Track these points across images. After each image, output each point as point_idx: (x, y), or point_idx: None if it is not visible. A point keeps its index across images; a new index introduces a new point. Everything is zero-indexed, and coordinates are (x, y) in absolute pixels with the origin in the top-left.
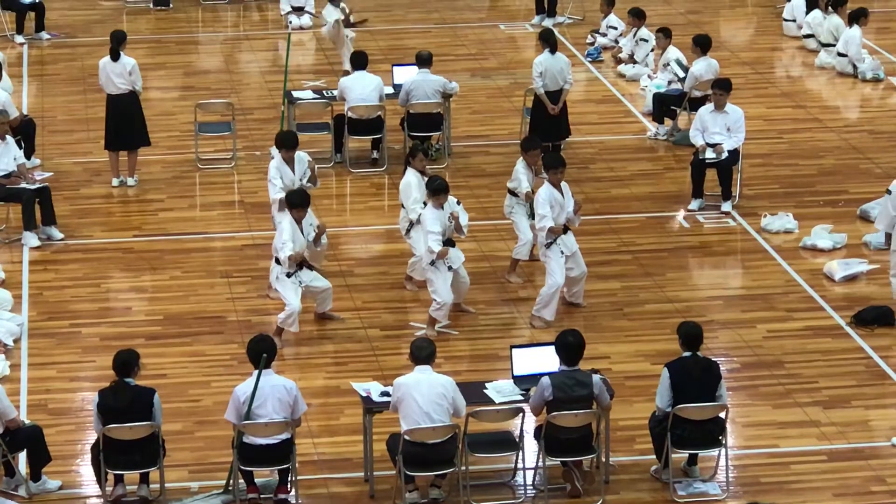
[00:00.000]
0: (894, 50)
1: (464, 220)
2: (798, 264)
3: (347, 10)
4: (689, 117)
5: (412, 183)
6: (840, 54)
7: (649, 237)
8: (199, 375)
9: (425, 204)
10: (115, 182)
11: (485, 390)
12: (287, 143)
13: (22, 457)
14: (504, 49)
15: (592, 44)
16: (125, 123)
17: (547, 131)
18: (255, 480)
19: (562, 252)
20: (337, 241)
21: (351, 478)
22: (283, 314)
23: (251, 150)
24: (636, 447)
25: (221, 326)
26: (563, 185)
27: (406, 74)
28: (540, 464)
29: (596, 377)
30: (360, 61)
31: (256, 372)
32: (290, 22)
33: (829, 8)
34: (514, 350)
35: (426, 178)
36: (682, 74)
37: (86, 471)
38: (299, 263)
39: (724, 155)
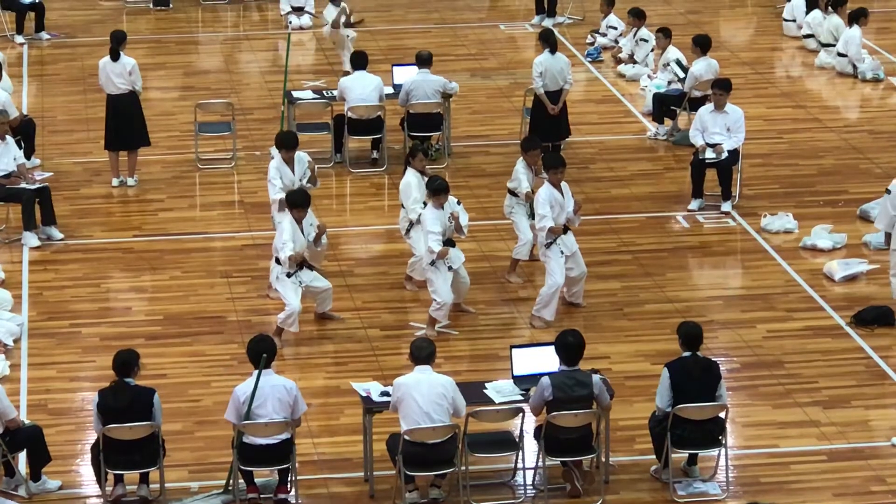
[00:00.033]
0: (894, 50)
1: (464, 220)
2: (798, 264)
3: (348, 10)
4: (689, 117)
5: (412, 183)
6: (840, 54)
7: (649, 237)
8: (198, 375)
9: (425, 204)
10: (115, 182)
11: (485, 390)
12: (287, 144)
13: (22, 457)
14: (504, 49)
15: (592, 44)
16: (125, 123)
17: (547, 131)
18: (255, 480)
19: (562, 252)
20: (337, 241)
21: (351, 478)
22: (283, 314)
23: (251, 150)
24: (636, 447)
25: (221, 326)
26: (564, 185)
27: (406, 74)
28: (540, 464)
29: (596, 377)
30: (359, 61)
31: (256, 372)
32: (290, 22)
33: (829, 8)
34: (513, 350)
35: (426, 178)
36: (681, 75)
37: (86, 471)
38: (299, 263)
39: (724, 155)
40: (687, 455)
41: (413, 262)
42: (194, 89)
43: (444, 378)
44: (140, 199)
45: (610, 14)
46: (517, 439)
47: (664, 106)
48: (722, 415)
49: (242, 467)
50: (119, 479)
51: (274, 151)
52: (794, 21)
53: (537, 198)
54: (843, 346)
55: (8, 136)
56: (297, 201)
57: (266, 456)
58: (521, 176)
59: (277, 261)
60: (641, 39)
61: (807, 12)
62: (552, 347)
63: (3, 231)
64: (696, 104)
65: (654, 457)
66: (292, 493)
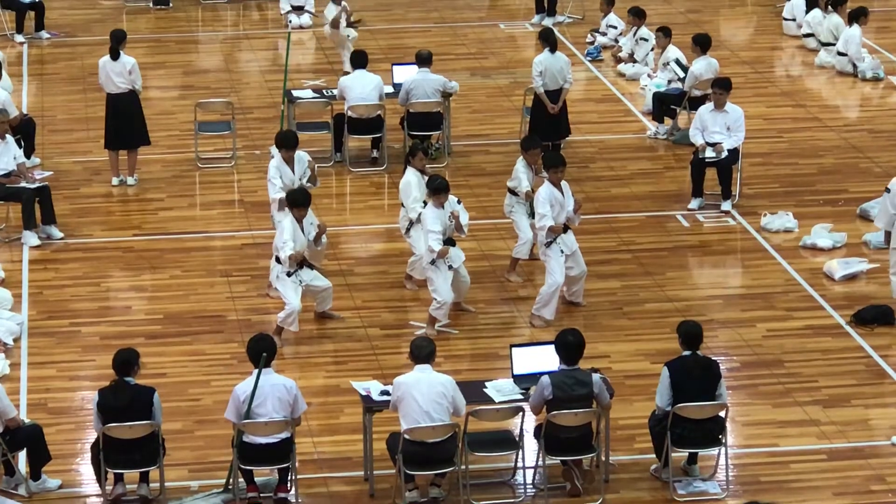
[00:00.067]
0: (894, 49)
1: (464, 219)
2: (798, 263)
3: (349, 10)
4: (689, 116)
5: (412, 182)
6: (840, 53)
7: (649, 236)
8: (198, 374)
9: (425, 203)
10: (114, 181)
11: (485, 389)
12: (287, 143)
13: (22, 456)
14: (504, 48)
15: (592, 43)
16: (125, 122)
17: (547, 130)
18: (255, 479)
19: (562, 251)
20: (337, 241)
21: (351, 477)
22: (282, 313)
23: (251, 149)
24: (636, 446)
25: (221, 325)
26: (564, 184)
27: (406, 73)
28: (540, 463)
29: (596, 376)
30: (359, 60)
31: (256, 371)
32: (290, 21)
33: (829, 7)
34: (513, 349)
35: (426, 178)
36: (681, 74)
37: (86, 470)
38: (300, 263)
39: (724, 154)
40: (687, 454)
41: (413, 261)
42: (194, 88)
43: (444, 377)
44: (140, 199)
45: (610, 13)
46: (517, 438)
47: (664, 105)
48: (722, 414)
49: (242, 466)
50: (119, 478)
51: (274, 151)
52: (794, 20)
53: (537, 197)
54: (842, 345)
55: (8, 136)
56: (297, 200)
57: (266, 455)
58: (521, 175)
59: (278, 260)
60: (641, 38)
61: (807, 11)
62: (552, 346)
63: (3, 230)
64: (695, 103)
65: (653, 456)
66: (292, 492)
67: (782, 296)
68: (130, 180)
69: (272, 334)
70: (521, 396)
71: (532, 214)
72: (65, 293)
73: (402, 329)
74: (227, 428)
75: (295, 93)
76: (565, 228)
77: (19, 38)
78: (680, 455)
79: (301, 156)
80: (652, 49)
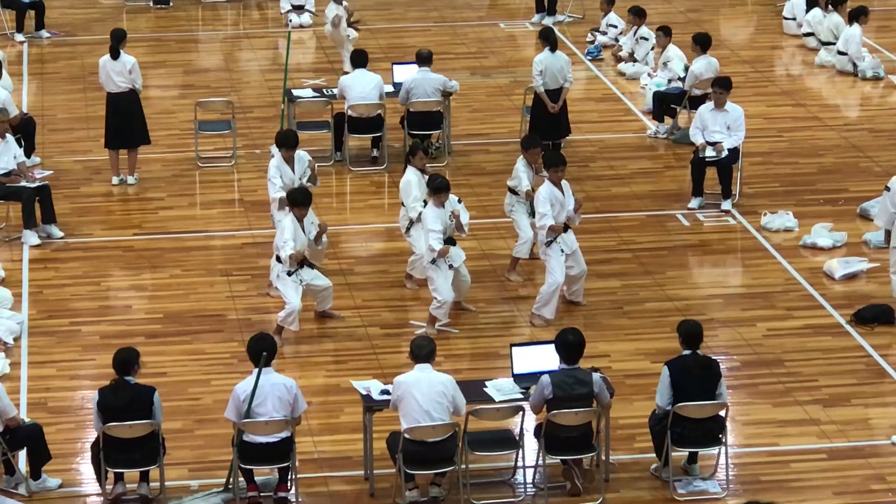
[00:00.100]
0: (894, 48)
1: (465, 218)
2: (798, 262)
3: (349, 10)
4: (689, 116)
5: (412, 181)
6: (840, 52)
7: (649, 235)
8: (199, 374)
9: (425, 202)
10: (115, 180)
11: (485, 388)
12: (287, 143)
13: (22, 455)
14: (504, 47)
15: (592, 42)
16: (125, 122)
17: (547, 129)
18: (255, 479)
19: (562, 250)
20: (337, 240)
21: (351, 476)
22: (283, 312)
23: (251, 148)
24: (636, 445)
25: (221, 325)
26: (564, 183)
27: (406, 73)
28: (540, 462)
29: (596, 375)
30: (359, 59)
31: (256, 370)
32: (291, 20)
33: (829, 6)
34: (514, 348)
35: (426, 177)
36: (681, 74)
37: (86, 469)
38: (300, 262)
39: (724, 153)
40: (687, 453)
41: (413, 261)
42: (194, 87)
43: (445, 376)
44: (140, 198)
45: (610, 12)
46: (517, 438)
47: (664, 104)
48: (722, 413)
49: (242, 465)
50: (119, 478)
51: (274, 150)
52: (794, 19)
53: (538, 196)
54: (843, 344)
55: (8, 135)
56: (298, 199)
57: (266, 454)
58: (521, 174)
59: (278, 259)
60: (641, 38)
61: (807, 10)
62: (552, 346)
63: (3, 229)
64: (696, 102)
65: (654, 455)
66: (292, 491)
67: (782, 295)
68: (131, 179)
69: (272, 333)
70: (521, 396)
71: (532, 214)
72: (65, 292)
73: (402, 328)
74: (227, 427)
75: (295, 92)
76: (566, 228)
77: (19, 37)
78: (680, 454)
79: (301, 155)
80: (652, 48)
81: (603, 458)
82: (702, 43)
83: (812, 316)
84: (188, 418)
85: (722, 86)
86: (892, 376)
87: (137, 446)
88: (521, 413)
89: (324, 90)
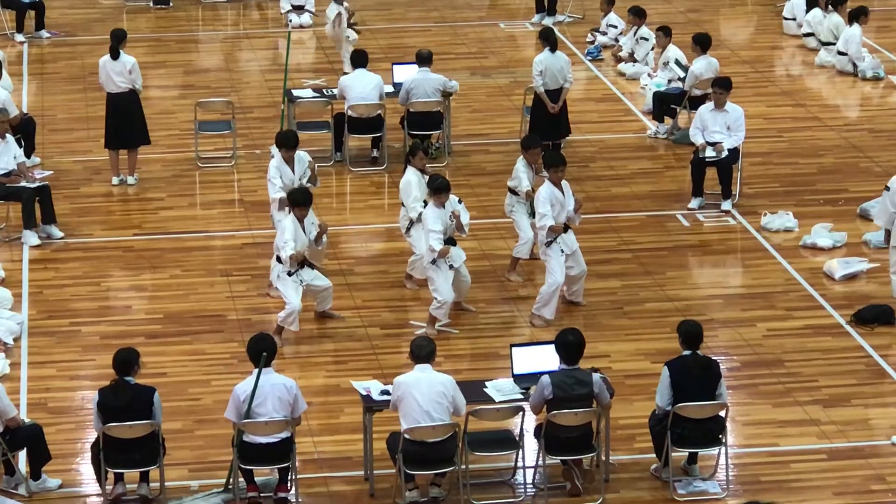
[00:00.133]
0: (894, 48)
1: (465, 218)
2: (798, 263)
3: (350, 10)
4: (689, 116)
5: (412, 181)
6: (840, 53)
7: (649, 236)
8: (199, 374)
9: (425, 203)
10: (115, 181)
11: (485, 389)
12: (287, 143)
13: (22, 455)
14: (504, 47)
15: (592, 42)
16: (125, 122)
17: (547, 130)
18: (255, 479)
19: (562, 251)
20: (337, 240)
21: (351, 476)
22: (283, 313)
23: (251, 148)
24: (636, 446)
25: (221, 325)
26: (564, 183)
27: (406, 73)
28: (540, 462)
29: (596, 376)
30: (359, 60)
31: (256, 370)
32: (291, 20)
33: (829, 6)
34: (514, 349)
35: (426, 177)
36: (681, 74)
37: (86, 469)
38: (301, 262)
39: (724, 153)
40: (687, 454)
41: (413, 261)
42: (194, 88)
43: (445, 377)
44: (140, 198)
45: (610, 12)
46: (517, 438)
47: (664, 104)
48: (722, 413)
49: (242, 466)
50: (119, 478)
51: (274, 150)
52: (794, 19)
53: (538, 196)
54: (843, 344)
55: (8, 135)
56: (299, 200)
57: (266, 454)
58: (521, 174)
59: (279, 259)
60: (641, 38)
61: (807, 11)
62: (552, 346)
63: (3, 229)
64: (696, 103)
65: (654, 455)
66: (292, 491)
67: (782, 295)
68: (131, 180)
69: (272, 334)
70: (521, 396)
71: (532, 214)
72: (65, 293)
73: (402, 329)
74: (227, 427)
75: (295, 92)
76: (566, 228)
77: (19, 37)
78: (680, 455)
79: (301, 156)
80: (652, 48)
81: (603, 458)
82: (702, 43)
83: (812, 316)
84: (188, 419)
85: (722, 86)
86: (892, 377)
87: (137, 447)
88: (521, 413)
89: (324, 90)
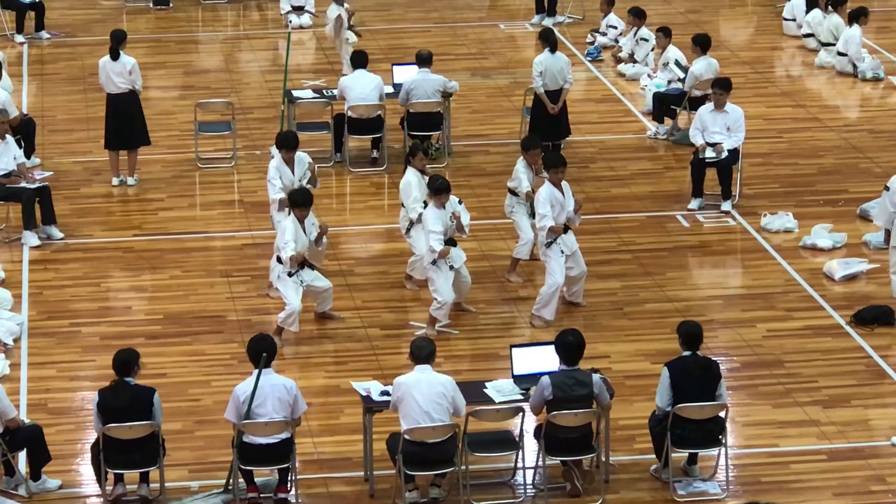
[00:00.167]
0: (894, 49)
1: (465, 219)
2: (798, 263)
3: (350, 11)
4: (689, 116)
5: (412, 182)
6: (840, 53)
7: (649, 236)
8: (198, 375)
9: (425, 203)
10: (115, 181)
11: (485, 390)
12: (287, 144)
13: (22, 456)
14: (504, 48)
15: (592, 43)
16: (125, 123)
17: (547, 130)
18: (255, 480)
19: (562, 251)
20: (337, 241)
21: (351, 477)
22: (283, 313)
23: (251, 149)
24: (636, 446)
25: (221, 326)
26: (564, 184)
27: (406, 74)
28: (540, 463)
29: (596, 376)
30: (359, 60)
31: (256, 371)
32: (290, 21)
33: (829, 7)
34: (513, 349)
35: (426, 178)
36: (681, 75)
37: (86, 470)
38: (301, 263)
39: (724, 154)
40: (687, 454)
41: (413, 262)
42: (194, 88)
43: (444, 377)
44: (140, 199)
45: (610, 13)
46: (517, 439)
47: (664, 105)
48: (722, 414)
49: (242, 467)
50: (119, 479)
51: (274, 151)
52: (794, 20)
53: (538, 197)
54: (842, 345)
55: (8, 136)
56: (299, 200)
57: (266, 455)
58: (521, 175)
59: (279, 260)
60: (641, 39)
61: (807, 11)
62: (552, 347)
63: (3, 230)
64: (696, 103)
65: (654, 456)
66: (292, 492)
67: (782, 296)
68: (130, 180)
69: (272, 334)
70: (521, 397)
71: (532, 215)
72: (65, 293)
73: (402, 329)
74: (227, 428)
75: (295, 93)
76: (566, 229)
77: (19, 38)
78: (680, 455)
79: (301, 157)
80: (652, 49)
81: (603, 459)
82: (701, 44)
83: (812, 317)
84: (188, 419)
85: (722, 87)
86: (891, 377)
87: (137, 447)
88: (520, 414)
89: (324, 91)
